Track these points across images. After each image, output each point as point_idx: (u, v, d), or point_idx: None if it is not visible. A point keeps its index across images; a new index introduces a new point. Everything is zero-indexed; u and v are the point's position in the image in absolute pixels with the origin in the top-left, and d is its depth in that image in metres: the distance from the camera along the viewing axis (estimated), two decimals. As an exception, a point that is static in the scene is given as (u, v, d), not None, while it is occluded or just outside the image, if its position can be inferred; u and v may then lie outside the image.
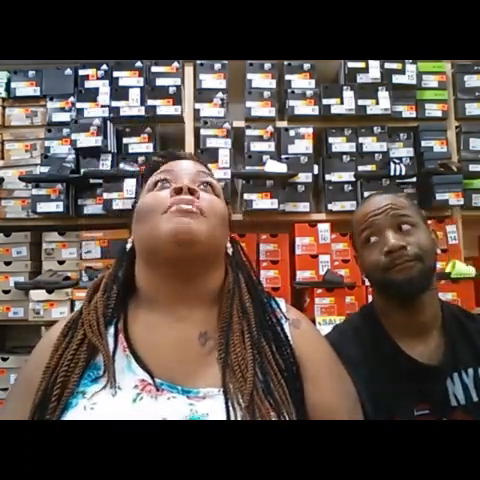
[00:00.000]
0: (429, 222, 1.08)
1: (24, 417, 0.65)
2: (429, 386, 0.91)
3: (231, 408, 0.61)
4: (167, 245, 0.67)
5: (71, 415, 0.62)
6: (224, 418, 0.61)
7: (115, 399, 0.62)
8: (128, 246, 0.78)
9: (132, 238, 0.77)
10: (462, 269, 1.93)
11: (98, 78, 2.10)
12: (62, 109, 2.12)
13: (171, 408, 0.62)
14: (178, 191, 0.70)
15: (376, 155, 2.09)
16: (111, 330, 0.70)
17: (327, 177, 2.09)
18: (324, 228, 2.02)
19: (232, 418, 0.60)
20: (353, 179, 2.07)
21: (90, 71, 2.11)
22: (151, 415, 0.61)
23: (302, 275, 1.99)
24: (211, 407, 0.62)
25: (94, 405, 0.62)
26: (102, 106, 2.07)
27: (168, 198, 0.70)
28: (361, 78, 2.13)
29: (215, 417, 0.61)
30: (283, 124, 2.12)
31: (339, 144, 2.11)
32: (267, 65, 2.12)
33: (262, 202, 1.98)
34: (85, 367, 0.66)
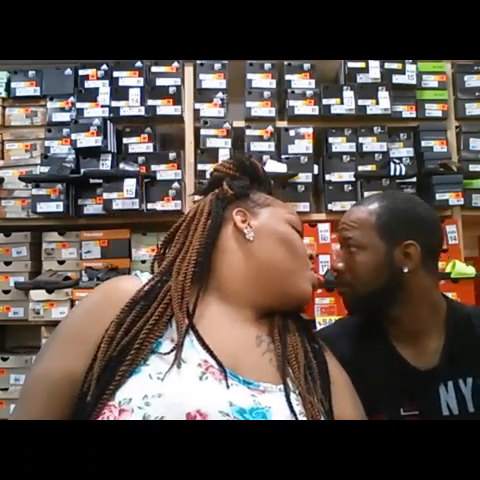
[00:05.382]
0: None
1: (71, 365, 0.64)
2: (418, 390, 0.88)
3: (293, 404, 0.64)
4: (290, 301, 0.77)
5: (137, 381, 0.61)
6: (286, 413, 0.62)
7: (181, 371, 0.62)
8: (249, 236, 0.76)
9: (252, 231, 0.76)
10: (462, 269, 1.93)
11: (98, 78, 2.10)
12: (62, 109, 2.12)
13: (236, 394, 0.62)
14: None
15: (376, 155, 2.09)
16: None
17: (327, 177, 2.08)
18: (324, 228, 2.01)
19: (296, 413, 0.63)
20: (353, 179, 2.07)
21: (90, 71, 2.10)
22: (218, 396, 0.61)
23: (302, 275, 1.99)
24: (272, 401, 0.63)
25: (160, 375, 0.61)
26: (102, 106, 2.06)
27: (307, 255, 0.85)
28: (361, 78, 2.13)
29: (277, 411, 0.62)
30: (283, 124, 2.12)
31: (339, 144, 2.11)
32: (267, 65, 2.12)
33: (262, 202, 1.97)
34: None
